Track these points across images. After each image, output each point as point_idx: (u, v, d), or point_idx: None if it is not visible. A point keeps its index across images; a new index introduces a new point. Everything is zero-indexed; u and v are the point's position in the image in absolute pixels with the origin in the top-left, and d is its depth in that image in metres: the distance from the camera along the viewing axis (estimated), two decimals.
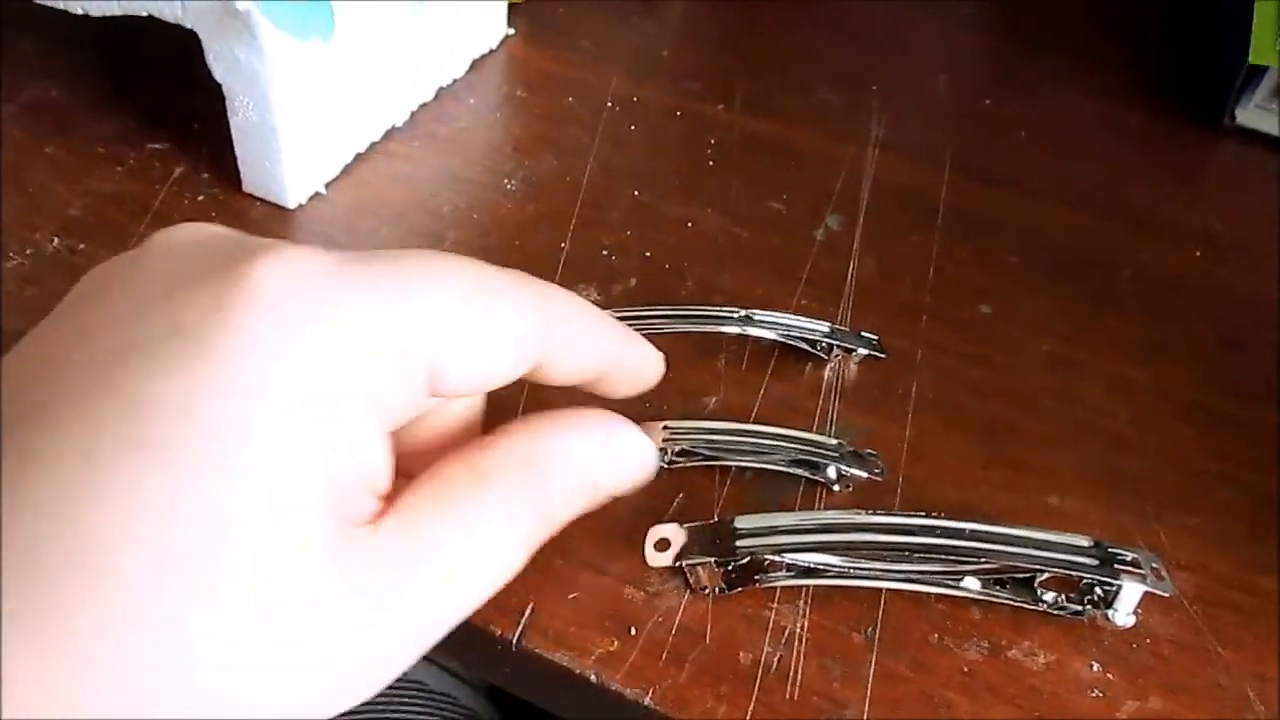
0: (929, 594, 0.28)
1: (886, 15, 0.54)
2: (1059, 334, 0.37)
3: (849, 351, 0.34)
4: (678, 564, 0.28)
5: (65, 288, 0.34)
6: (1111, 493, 0.32)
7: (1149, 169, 0.46)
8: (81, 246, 0.36)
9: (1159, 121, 0.48)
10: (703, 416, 0.32)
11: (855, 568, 0.28)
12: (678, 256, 0.38)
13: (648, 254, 0.38)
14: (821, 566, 0.28)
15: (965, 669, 0.27)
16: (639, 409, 0.32)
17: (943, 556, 0.27)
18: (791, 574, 0.28)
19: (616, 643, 0.27)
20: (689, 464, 0.30)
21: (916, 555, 0.27)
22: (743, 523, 0.28)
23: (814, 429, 0.33)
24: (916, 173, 0.44)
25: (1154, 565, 0.27)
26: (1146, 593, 0.27)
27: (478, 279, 0.22)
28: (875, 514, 0.28)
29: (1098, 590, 0.27)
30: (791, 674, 0.27)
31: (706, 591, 0.28)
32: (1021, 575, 0.28)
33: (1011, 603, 0.28)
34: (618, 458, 0.25)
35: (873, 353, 0.35)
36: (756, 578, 0.28)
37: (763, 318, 0.34)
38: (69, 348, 0.20)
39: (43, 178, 0.39)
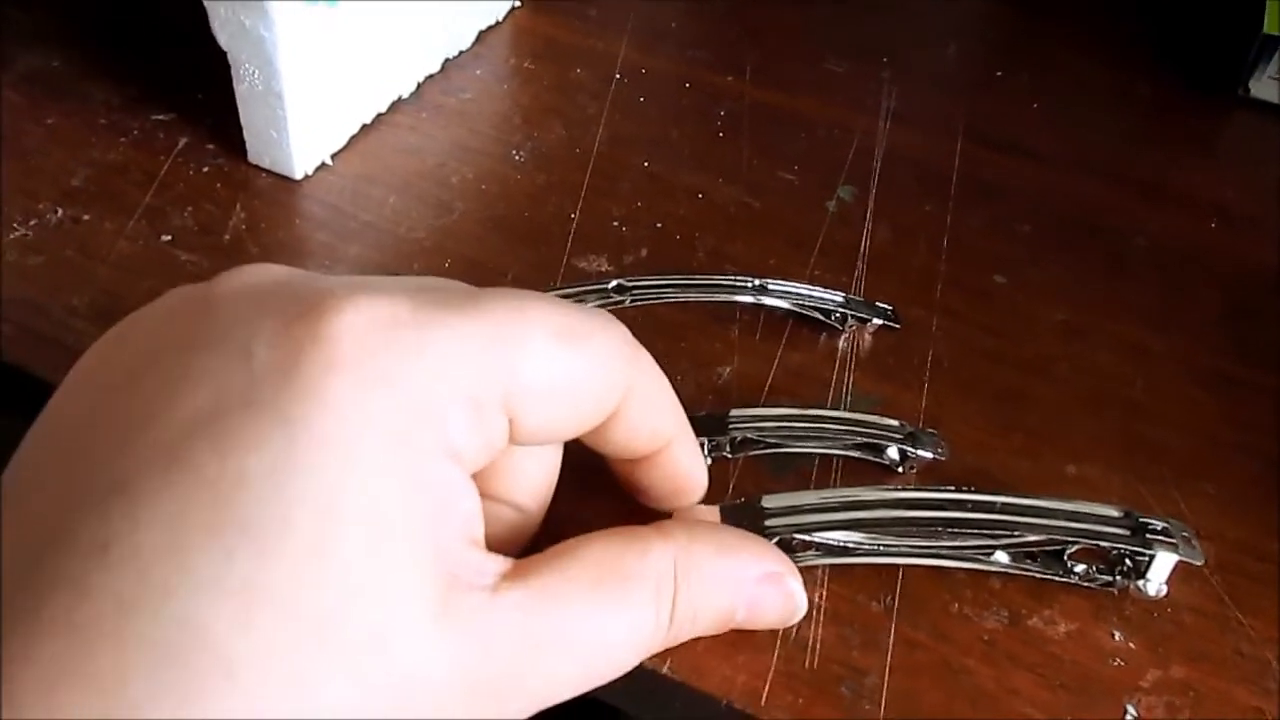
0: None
1: None
2: (1073, 301, 0.37)
3: (863, 321, 0.34)
4: None
5: (70, 257, 0.34)
6: (1128, 460, 0.32)
7: (1162, 138, 0.45)
8: (85, 217, 0.36)
9: (1172, 91, 0.48)
10: (761, 404, 0.32)
11: (884, 545, 0.27)
12: (689, 227, 0.38)
13: (659, 224, 0.38)
14: (851, 545, 0.27)
15: (985, 637, 0.27)
16: None
17: (974, 531, 0.27)
18: (820, 553, 0.27)
19: None
20: (750, 454, 0.30)
21: (947, 531, 0.27)
22: (770, 502, 0.27)
23: (829, 398, 0.32)
24: (928, 142, 0.43)
25: (1184, 534, 0.27)
26: (1178, 562, 0.27)
27: (563, 324, 0.21)
28: (904, 490, 0.28)
29: (1128, 560, 0.27)
30: (810, 643, 0.26)
31: None
32: (1052, 548, 0.27)
33: (1042, 576, 0.28)
34: (765, 605, 0.25)
35: (887, 323, 0.34)
36: None
37: (777, 287, 0.34)
38: (142, 414, 0.19)
39: (45, 148, 0.38)
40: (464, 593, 0.19)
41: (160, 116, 0.40)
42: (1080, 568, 0.28)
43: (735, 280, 0.33)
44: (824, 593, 0.27)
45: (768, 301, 0.33)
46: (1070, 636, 0.27)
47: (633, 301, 0.33)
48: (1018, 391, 0.33)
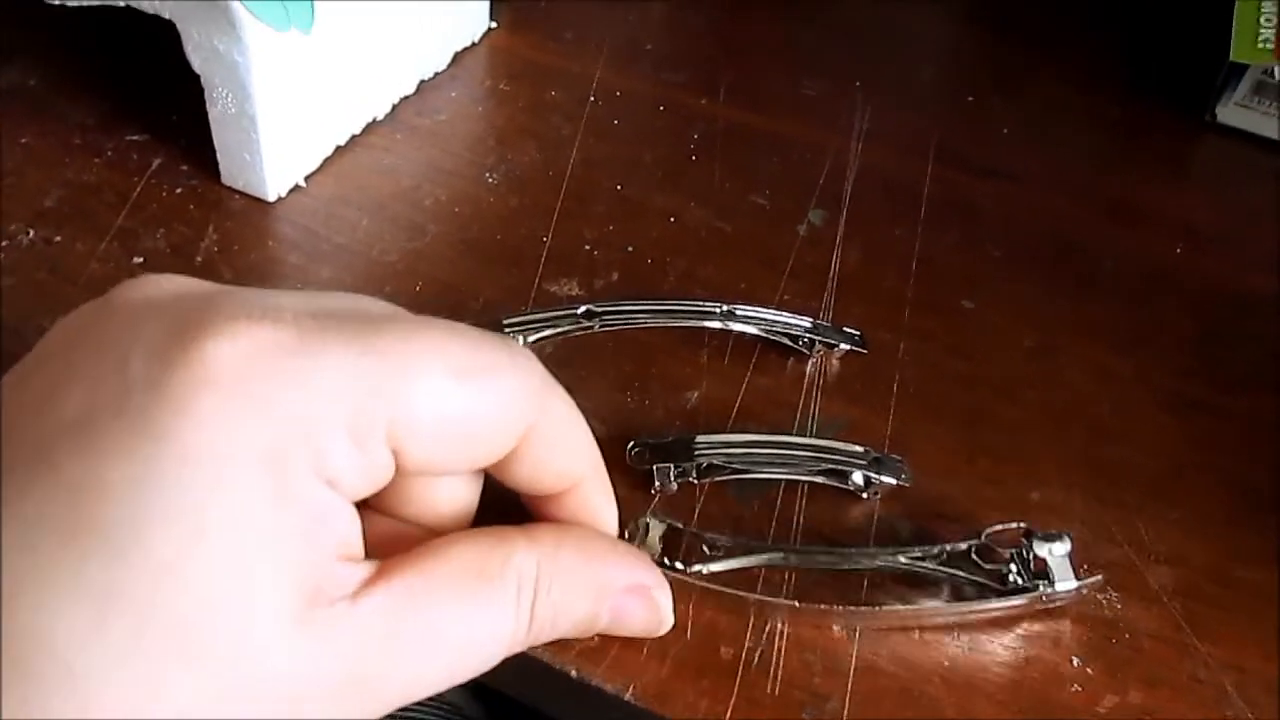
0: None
1: (870, 6, 0.54)
2: (1041, 325, 0.37)
3: (831, 346, 0.34)
4: None
5: (42, 279, 0.35)
6: (1093, 483, 0.32)
7: (1132, 161, 0.46)
8: (58, 238, 0.36)
9: (1142, 114, 0.48)
10: (729, 429, 0.32)
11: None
12: (660, 250, 0.38)
13: (630, 248, 0.38)
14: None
15: (946, 663, 0.27)
16: (624, 402, 0.32)
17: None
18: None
19: (597, 637, 0.27)
20: (716, 479, 0.30)
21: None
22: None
23: (796, 423, 0.33)
24: (900, 165, 0.43)
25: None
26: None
27: (461, 360, 0.21)
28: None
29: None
30: (773, 668, 0.27)
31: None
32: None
33: (971, 580, 0.28)
34: (629, 614, 0.25)
35: (854, 347, 0.35)
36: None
37: (745, 313, 0.34)
38: (17, 415, 0.19)
39: (19, 167, 0.38)
40: (325, 605, 0.19)
41: (134, 137, 0.40)
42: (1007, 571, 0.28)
43: (704, 306, 0.34)
44: (787, 617, 0.28)
45: (736, 327, 0.34)
46: (1030, 662, 0.27)
47: (602, 326, 0.33)
48: (984, 415, 0.34)
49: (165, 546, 0.18)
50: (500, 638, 0.22)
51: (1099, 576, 0.28)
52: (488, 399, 0.22)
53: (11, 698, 0.16)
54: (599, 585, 0.24)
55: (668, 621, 0.26)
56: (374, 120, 0.42)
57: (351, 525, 0.21)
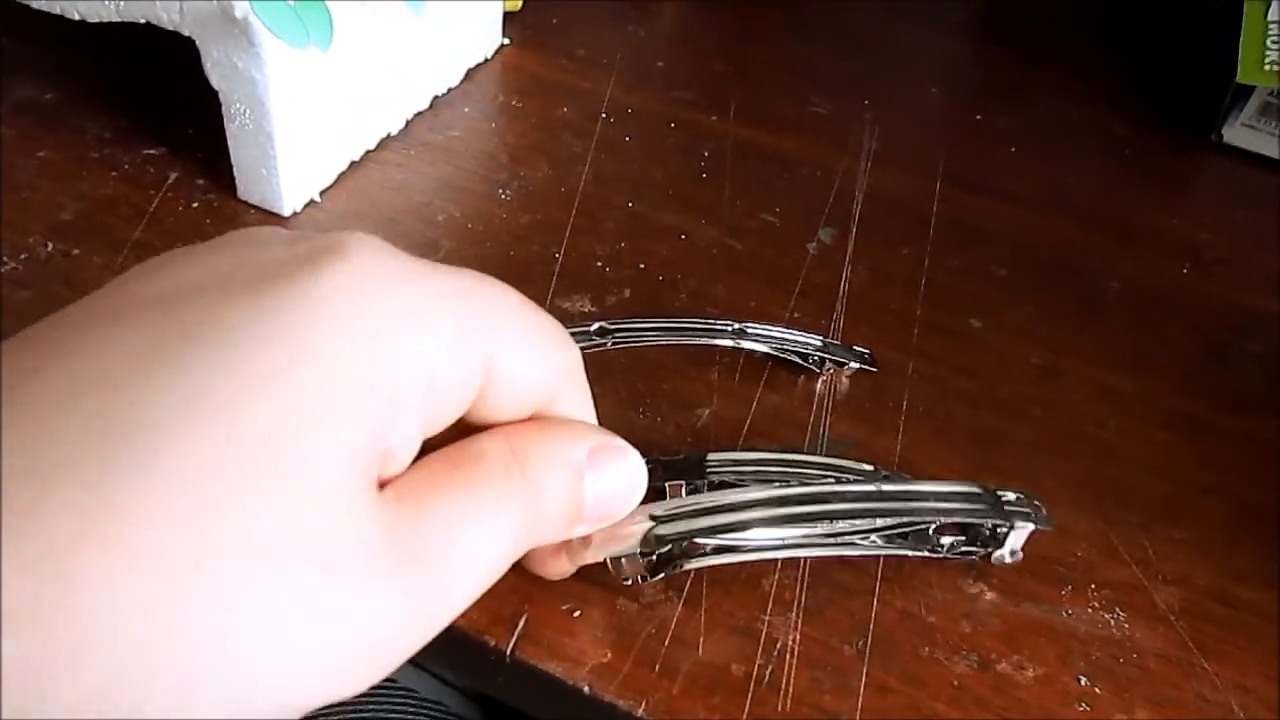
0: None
1: (879, 25, 0.54)
2: (1047, 344, 0.37)
3: (841, 364, 0.35)
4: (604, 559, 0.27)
5: (59, 292, 0.35)
6: (1098, 503, 0.32)
7: (1137, 181, 0.46)
8: (75, 251, 0.36)
9: (1148, 133, 0.49)
10: (739, 447, 0.32)
11: (771, 541, 0.28)
12: (671, 268, 0.38)
13: (641, 265, 0.38)
14: (739, 543, 0.27)
15: (955, 682, 0.27)
16: (635, 420, 0.33)
17: (856, 519, 0.28)
18: (708, 554, 0.28)
19: (610, 654, 0.27)
20: None
21: (827, 520, 0.27)
22: (658, 509, 0.27)
23: (806, 441, 0.33)
24: (908, 184, 0.44)
25: (1036, 503, 0.29)
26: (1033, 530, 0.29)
27: (522, 298, 0.23)
28: (787, 486, 0.28)
29: (986, 532, 0.29)
30: (783, 686, 0.27)
31: (629, 582, 0.28)
32: (920, 527, 0.29)
33: (914, 554, 0.29)
34: (609, 475, 0.25)
35: (864, 366, 0.35)
36: (676, 561, 0.27)
37: (756, 331, 0.34)
38: (146, 280, 0.20)
39: (36, 181, 0.39)
40: (369, 484, 0.20)
41: (151, 151, 0.40)
42: (947, 541, 0.29)
43: (715, 324, 0.34)
44: (797, 635, 0.28)
45: (747, 345, 0.34)
46: (1038, 681, 0.28)
47: (614, 344, 0.33)
48: (990, 434, 0.34)
49: (264, 361, 0.18)
50: (515, 511, 0.23)
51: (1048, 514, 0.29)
52: (546, 321, 0.24)
53: (91, 464, 0.17)
54: (567, 450, 0.24)
55: (643, 475, 0.25)
56: (388, 136, 0.42)
57: (408, 443, 0.21)
